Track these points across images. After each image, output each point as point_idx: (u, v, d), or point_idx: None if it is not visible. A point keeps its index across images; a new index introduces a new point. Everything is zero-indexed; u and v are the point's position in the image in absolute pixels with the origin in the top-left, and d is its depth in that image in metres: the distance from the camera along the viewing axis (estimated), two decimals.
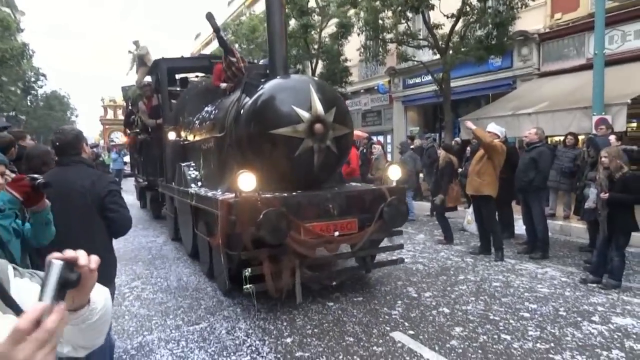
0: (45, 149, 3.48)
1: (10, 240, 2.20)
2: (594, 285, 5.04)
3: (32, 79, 31.51)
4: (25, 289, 0.95)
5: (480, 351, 3.57)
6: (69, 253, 0.85)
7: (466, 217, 8.25)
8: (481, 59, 11.29)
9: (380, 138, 16.86)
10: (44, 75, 32.34)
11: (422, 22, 12.20)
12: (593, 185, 5.40)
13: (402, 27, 12.48)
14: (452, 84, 12.46)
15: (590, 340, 3.72)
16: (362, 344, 3.75)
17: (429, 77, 13.17)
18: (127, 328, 4.27)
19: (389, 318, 4.30)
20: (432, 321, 4.21)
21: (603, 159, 5.01)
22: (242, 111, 4.99)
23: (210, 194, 5.12)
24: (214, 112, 6.33)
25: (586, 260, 5.90)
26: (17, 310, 0.82)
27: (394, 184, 5.10)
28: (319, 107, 4.60)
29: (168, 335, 4.09)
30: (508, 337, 3.81)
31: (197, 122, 6.95)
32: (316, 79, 5.74)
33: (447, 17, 11.28)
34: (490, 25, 10.99)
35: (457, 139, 11.96)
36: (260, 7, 23.92)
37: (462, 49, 11.32)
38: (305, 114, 4.55)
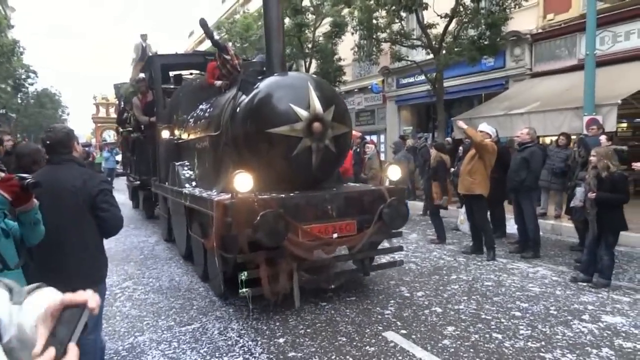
0: (35, 147, 3.44)
1: None
2: (584, 284, 5.08)
3: (23, 77, 31.19)
4: (27, 310, 0.90)
5: (472, 350, 3.59)
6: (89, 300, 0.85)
7: (459, 216, 8.29)
8: (474, 59, 11.34)
9: (374, 137, 16.88)
10: (34, 72, 32.02)
11: (415, 21, 12.23)
12: (582, 184, 5.46)
13: (395, 27, 12.51)
14: (445, 84, 12.51)
15: (580, 339, 3.76)
16: (354, 343, 3.76)
17: (423, 77, 13.20)
18: (118, 329, 4.25)
19: (382, 318, 4.30)
20: (424, 320, 4.22)
21: (592, 158, 5.07)
22: (238, 109, 4.89)
23: (205, 194, 5.01)
24: (209, 110, 6.20)
25: (577, 260, 5.95)
26: None
27: (387, 182, 5.07)
28: (317, 105, 4.50)
29: (160, 336, 4.06)
30: (499, 336, 3.84)
31: (191, 120, 6.83)
32: (314, 76, 5.60)
33: (441, 17, 11.32)
34: (483, 26, 11.04)
35: (449, 138, 12.01)
36: (254, 6, 23.85)
37: (455, 49, 11.37)
38: (303, 113, 4.45)
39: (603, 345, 3.63)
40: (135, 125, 10.18)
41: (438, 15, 11.33)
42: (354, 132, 6.71)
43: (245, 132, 4.71)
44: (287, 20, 15.36)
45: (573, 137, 8.51)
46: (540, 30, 12.17)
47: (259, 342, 3.84)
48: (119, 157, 19.81)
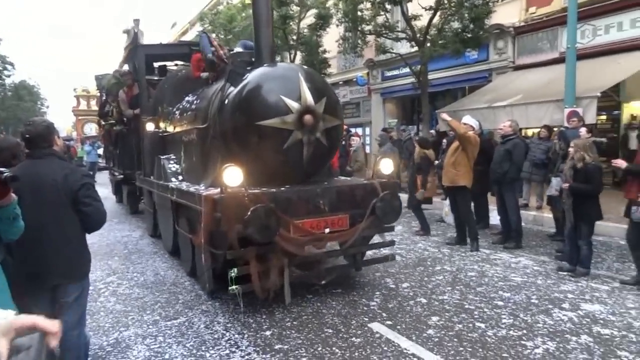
0: (14, 141, 3.36)
1: None
2: (565, 273, 5.21)
3: None
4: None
5: (456, 339, 3.65)
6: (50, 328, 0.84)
7: (443, 208, 8.38)
8: (458, 52, 11.42)
9: (359, 130, 16.92)
10: (11, 64, 31.25)
11: (400, 14, 12.24)
12: (561, 175, 5.58)
13: (380, 19, 12.49)
14: (430, 77, 12.58)
15: (560, 327, 3.85)
16: (341, 335, 3.79)
17: (407, 70, 13.26)
18: (102, 324, 4.21)
19: (368, 309, 4.35)
20: (409, 311, 4.28)
21: (570, 149, 5.19)
22: (226, 101, 4.74)
23: (192, 188, 4.87)
24: (195, 102, 6.03)
25: (557, 250, 6.08)
26: None
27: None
28: (308, 97, 4.39)
29: (145, 330, 4.04)
30: (482, 325, 3.91)
31: (177, 112, 6.67)
32: (305, 67, 5.43)
33: (425, 10, 11.35)
34: (467, 20, 11.11)
35: (432, 131, 12.10)
36: None
37: (440, 42, 11.43)
38: (294, 105, 4.34)
39: (582, 333, 3.73)
40: (118, 118, 9.98)
41: (422, 8, 11.36)
42: None
43: (234, 124, 4.58)
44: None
45: (555, 129, 8.66)
46: (522, 24, 12.29)
47: (246, 335, 3.85)
48: (100, 151, 19.51)
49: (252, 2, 5.01)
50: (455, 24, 11.63)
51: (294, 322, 4.09)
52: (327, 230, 4.37)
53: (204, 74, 6.27)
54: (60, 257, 2.70)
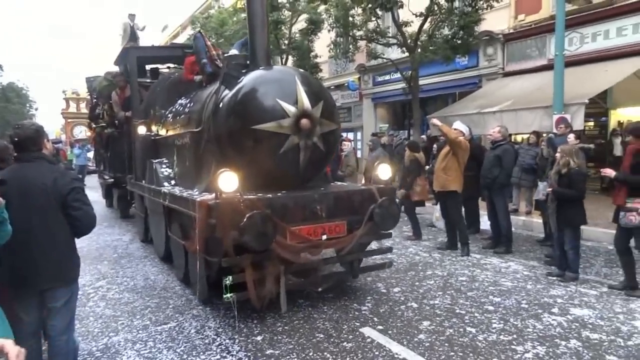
0: (3, 144, 3.32)
1: None
2: (554, 278, 5.25)
3: None
4: None
5: (447, 344, 3.67)
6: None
7: (434, 213, 8.42)
8: (448, 58, 11.52)
9: (350, 135, 16.96)
10: None
11: (391, 20, 12.32)
12: (547, 180, 5.67)
13: (371, 25, 12.57)
14: (421, 82, 12.67)
15: (550, 331, 3.88)
16: (332, 340, 3.78)
17: (398, 75, 13.33)
18: (91, 329, 4.16)
19: (359, 314, 4.35)
20: (400, 316, 4.28)
21: (557, 154, 5.29)
22: (221, 104, 4.66)
23: (186, 193, 4.77)
24: (189, 105, 5.91)
25: (547, 255, 6.14)
26: None
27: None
28: (305, 100, 4.33)
29: (135, 335, 4.00)
30: (473, 330, 3.93)
31: (169, 115, 6.56)
32: (301, 70, 5.32)
33: (416, 16, 11.45)
34: (457, 26, 11.22)
35: (424, 136, 12.18)
36: (228, 1, 23.59)
37: (430, 48, 11.52)
38: (291, 108, 4.27)
39: (571, 337, 3.77)
40: (109, 120, 9.89)
41: (413, 14, 11.45)
42: None
43: (229, 128, 4.50)
44: None
45: (544, 134, 8.76)
46: (511, 31, 12.45)
47: (237, 340, 3.83)
48: (90, 154, 19.31)
49: (247, 5, 4.94)
50: (446, 31, 11.75)
51: (286, 327, 4.07)
52: (324, 237, 4.28)
53: (197, 77, 6.18)
54: (48, 261, 2.67)
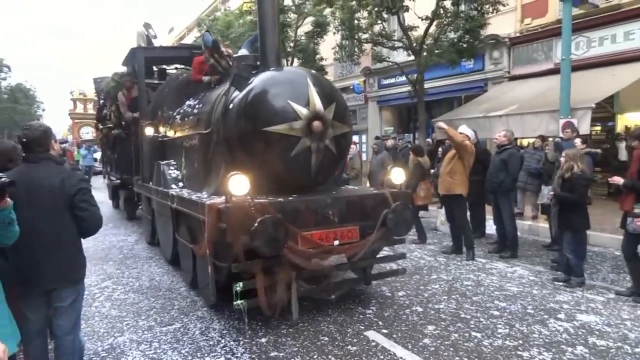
0: (11, 145, 3.35)
1: None
2: (560, 283, 5.22)
3: None
4: None
5: (451, 349, 3.65)
6: None
7: (439, 217, 8.40)
8: (454, 62, 11.51)
9: (355, 137, 16.96)
10: (7, 66, 31.14)
11: (397, 23, 12.33)
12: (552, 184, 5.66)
13: (377, 28, 12.58)
14: (426, 85, 12.66)
15: (556, 337, 3.86)
16: (336, 343, 3.78)
17: (404, 78, 13.33)
18: (97, 329, 4.17)
19: (364, 317, 4.33)
20: (405, 320, 4.27)
21: (561, 159, 5.27)
22: (231, 106, 4.56)
23: (194, 196, 4.63)
24: (197, 106, 5.81)
25: (553, 260, 6.10)
26: None
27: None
28: (317, 102, 4.21)
29: (140, 336, 4.01)
30: (478, 335, 3.91)
31: (177, 116, 6.43)
32: (313, 71, 5.18)
33: (422, 20, 11.45)
34: (462, 30, 11.21)
35: (429, 139, 12.16)
36: (234, 3, 23.69)
37: (436, 51, 11.52)
38: (302, 110, 4.15)
39: (578, 344, 3.74)
40: (116, 121, 9.90)
41: (419, 18, 11.45)
42: None
43: (239, 130, 4.40)
44: None
45: (550, 139, 8.73)
46: (518, 34, 12.42)
47: (241, 342, 3.83)
48: (97, 155, 19.40)
49: (258, 5, 4.86)
50: (452, 34, 11.74)
51: (290, 330, 4.07)
52: (336, 243, 4.16)
53: (206, 78, 6.14)
54: (55, 262, 2.68)
